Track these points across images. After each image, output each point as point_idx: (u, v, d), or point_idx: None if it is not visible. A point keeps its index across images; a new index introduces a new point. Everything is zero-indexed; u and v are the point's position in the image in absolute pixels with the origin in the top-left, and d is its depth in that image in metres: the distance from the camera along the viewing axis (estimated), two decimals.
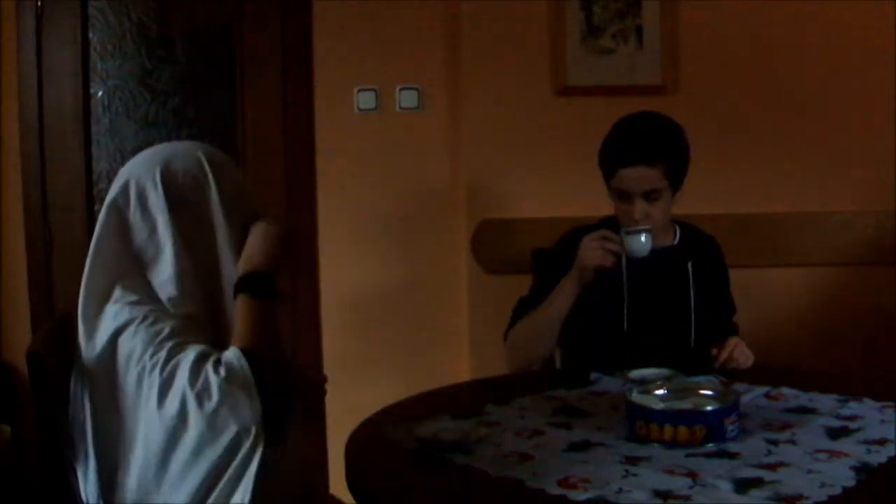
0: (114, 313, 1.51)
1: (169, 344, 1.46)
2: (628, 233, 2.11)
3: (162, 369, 1.43)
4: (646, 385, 1.74)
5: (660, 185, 2.15)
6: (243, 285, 1.54)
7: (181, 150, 1.65)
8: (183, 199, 1.59)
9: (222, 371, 1.42)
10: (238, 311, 1.53)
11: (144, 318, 1.49)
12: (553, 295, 2.18)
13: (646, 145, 2.14)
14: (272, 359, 1.48)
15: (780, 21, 2.87)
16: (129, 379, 1.46)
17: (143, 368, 1.44)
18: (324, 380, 1.99)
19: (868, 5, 2.85)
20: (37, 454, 1.58)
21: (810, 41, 2.88)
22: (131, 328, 1.48)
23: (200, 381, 1.41)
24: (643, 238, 2.10)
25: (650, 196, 2.15)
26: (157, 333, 1.47)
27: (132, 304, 1.51)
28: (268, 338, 1.51)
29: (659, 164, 2.13)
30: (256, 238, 1.58)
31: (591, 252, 2.11)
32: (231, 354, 1.45)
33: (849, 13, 2.86)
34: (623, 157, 2.15)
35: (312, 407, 1.91)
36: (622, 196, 2.18)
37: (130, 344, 1.47)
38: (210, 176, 1.61)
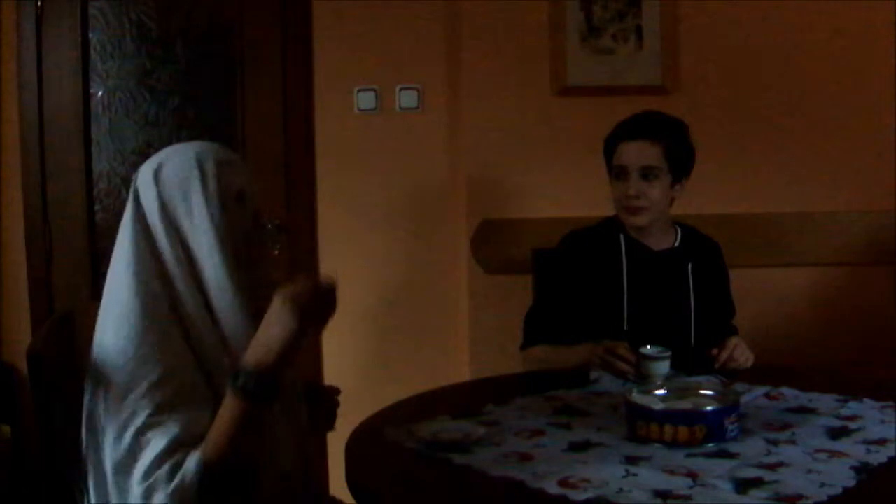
0: (114, 327, 1.46)
1: (144, 414, 1.39)
2: (648, 357, 1.99)
3: (124, 439, 1.38)
4: (646, 385, 1.74)
5: (658, 164, 2.18)
6: (235, 381, 1.38)
7: (179, 150, 1.59)
8: (171, 202, 1.53)
9: (174, 482, 1.35)
10: (224, 405, 1.39)
11: (139, 346, 1.43)
12: (571, 352, 2.16)
13: (648, 123, 2.21)
14: (240, 471, 1.39)
15: (780, 21, 2.86)
16: (104, 403, 1.43)
17: (114, 421, 1.40)
18: (337, 392, 1.89)
19: (868, 5, 2.85)
20: (37, 454, 1.58)
21: (810, 41, 2.88)
22: (120, 349, 1.44)
23: (151, 481, 1.36)
24: (663, 365, 1.98)
25: (647, 174, 2.18)
26: (137, 383, 1.40)
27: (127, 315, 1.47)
28: (243, 448, 1.39)
29: (659, 143, 2.18)
30: (271, 320, 1.37)
31: (601, 364, 2.05)
32: (192, 464, 1.36)
33: (849, 13, 2.86)
34: (625, 131, 2.22)
35: (325, 420, 1.83)
36: (620, 174, 2.22)
37: (114, 371, 1.42)
38: (198, 176, 1.53)
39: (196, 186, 1.52)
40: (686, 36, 2.87)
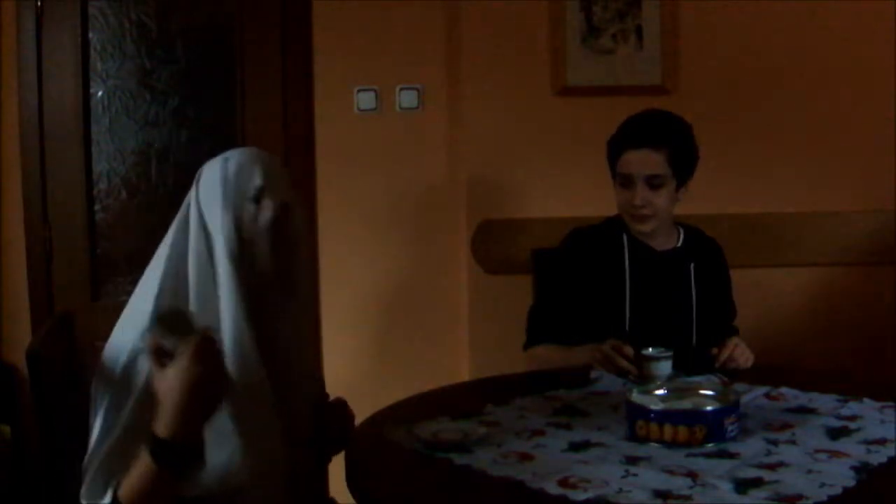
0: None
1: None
2: (649, 358, 1.97)
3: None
4: (646, 385, 1.74)
5: (663, 172, 2.17)
6: (150, 447, 1.34)
7: (218, 156, 1.59)
8: (204, 203, 1.54)
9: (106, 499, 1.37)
10: (138, 460, 1.36)
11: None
12: (574, 351, 2.16)
13: (652, 129, 2.19)
14: None
15: (779, 21, 2.86)
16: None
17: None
18: (344, 405, 1.84)
19: (868, 5, 2.85)
20: (37, 454, 1.58)
21: (810, 41, 2.88)
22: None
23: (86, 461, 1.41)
24: (664, 365, 1.97)
25: (653, 182, 2.17)
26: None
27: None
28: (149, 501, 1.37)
29: (663, 150, 2.16)
30: (164, 386, 1.33)
31: (603, 361, 2.04)
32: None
33: (848, 13, 2.86)
34: (629, 139, 2.19)
35: (337, 441, 1.78)
36: (625, 182, 2.20)
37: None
38: (199, 175, 1.56)
39: (218, 189, 1.52)
40: (686, 36, 2.87)
